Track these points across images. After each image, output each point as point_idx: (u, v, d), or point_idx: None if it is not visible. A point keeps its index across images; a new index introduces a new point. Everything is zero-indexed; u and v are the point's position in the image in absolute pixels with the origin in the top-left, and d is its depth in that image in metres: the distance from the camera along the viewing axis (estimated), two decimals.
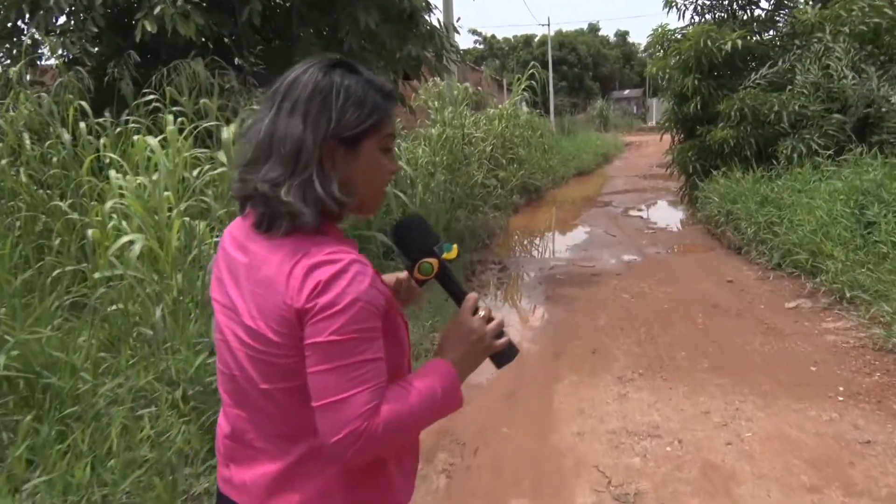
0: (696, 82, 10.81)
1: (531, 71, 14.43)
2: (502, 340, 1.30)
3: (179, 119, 4.96)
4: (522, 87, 14.52)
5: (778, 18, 11.32)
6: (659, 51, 12.31)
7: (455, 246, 1.36)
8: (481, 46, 59.84)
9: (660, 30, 12.10)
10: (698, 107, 10.89)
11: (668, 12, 11.87)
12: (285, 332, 1.13)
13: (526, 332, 5.66)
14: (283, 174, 1.16)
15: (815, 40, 9.71)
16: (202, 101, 5.56)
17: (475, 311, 1.29)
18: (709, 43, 10.52)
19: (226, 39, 7.36)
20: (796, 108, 9.11)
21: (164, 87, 5.72)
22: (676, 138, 12.51)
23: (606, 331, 5.55)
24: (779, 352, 4.84)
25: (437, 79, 13.78)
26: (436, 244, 1.33)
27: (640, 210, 12.54)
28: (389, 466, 1.26)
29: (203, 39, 6.86)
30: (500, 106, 14.25)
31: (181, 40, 6.57)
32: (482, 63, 46.39)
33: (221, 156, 4.84)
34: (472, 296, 1.31)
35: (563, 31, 54.77)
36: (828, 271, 5.97)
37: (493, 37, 58.27)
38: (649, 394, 4.21)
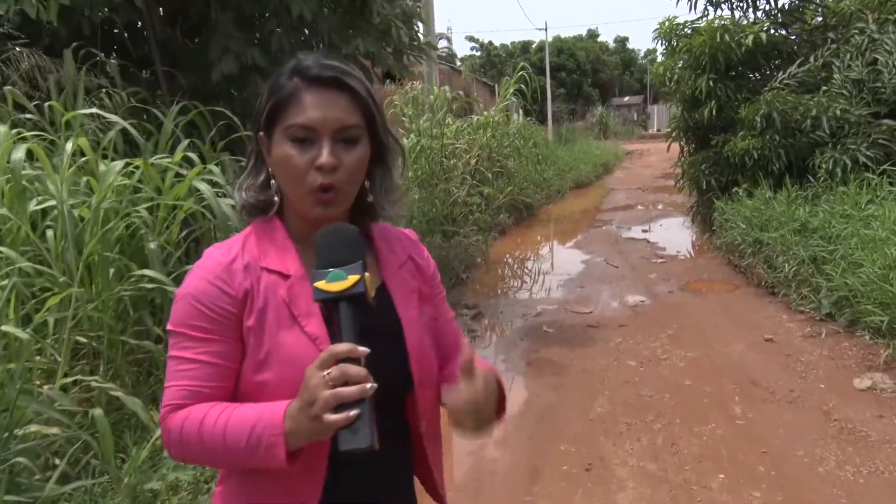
0: (710, 84, 9.18)
1: (520, 73, 12.83)
2: (336, 417, 0.95)
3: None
4: (511, 91, 12.94)
5: (806, 9, 9.67)
6: (665, 48, 10.67)
7: (353, 277, 1.01)
8: (478, 53, 58.66)
9: (667, 23, 10.45)
10: (713, 112, 9.27)
11: (676, 3, 10.21)
12: None
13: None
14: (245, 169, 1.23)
15: (856, 31, 8.08)
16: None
17: (326, 366, 0.97)
18: (726, 37, 8.90)
19: (117, 30, 5.76)
20: (837, 112, 7.47)
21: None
22: (686, 148, 10.88)
23: (607, 427, 3.91)
24: (870, 478, 3.20)
25: (416, 82, 12.26)
26: (346, 264, 1.02)
27: (645, 231, 10.89)
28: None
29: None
30: (485, 113, 12.61)
31: (65, 30, 5.10)
32: (480, 71, 45.07)
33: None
34: (335, 348, 0.98)
35: (562, 36, 53.42)
36: None
37: (491, 43, 57.17)
38: None
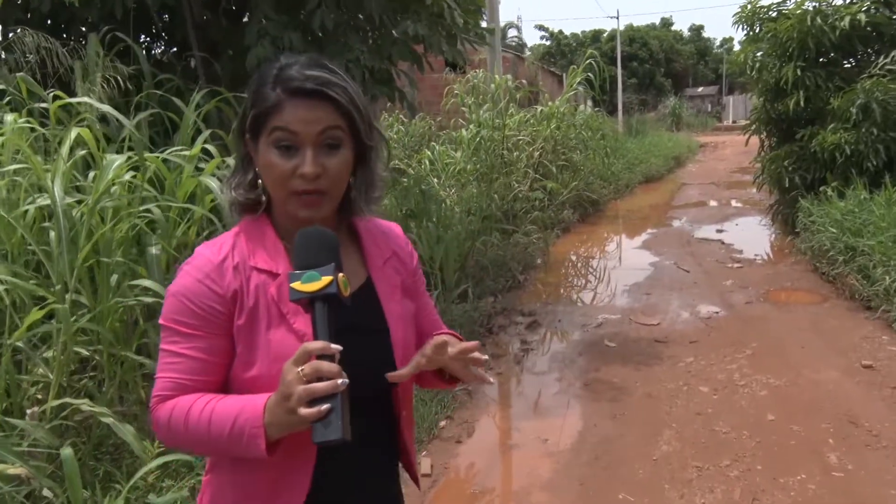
0: (797, 72, 8.34)
1: (587, 62, 12.12)
2: (309, 411, 0.99)
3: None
4: (578, 80, 12.24)
5: None
6: (746, 33, 9.80)
7: (326, 278, 1.05)
8: (548, 43, 57.64)
9: (749, 7, 9.58)
10: (799, 103, 8.43)
11: None
12: None
13: (540, 463, 3.50)
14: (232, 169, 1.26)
15: None
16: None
17: (301, 360, 1.02)
18: (818, 20, 8.05)
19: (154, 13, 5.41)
20: None
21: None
22: (767, 142, 10.01)
23: (673, 471, 3.33)
24: None
25: (479, 70, 11.72)
26: (320, 266, 1.06)
27: (719, 231, 10.08)
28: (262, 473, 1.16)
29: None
30: (550, 103, 11.96)
31: (95, 14, 4.83)
32: (549, 61, 44.09)
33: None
34: (308, 345, 1.03)
35: (634, 25, 51.82)
36: None
37: (561, 32, 56.06)
38: None
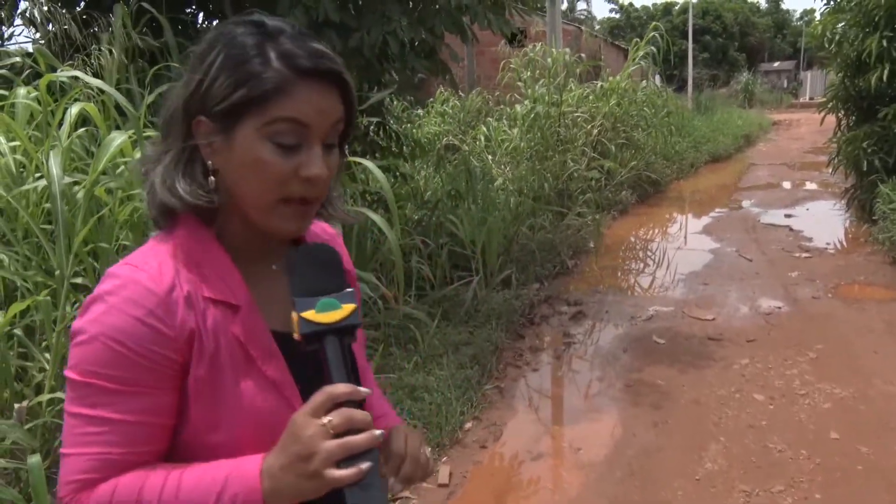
0: (882, 43, 7.65)
1: (652, 34, 11.49)
2: (345, 473, 0.78)
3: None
4: (641, 53, 11.63)
5: None
6: (827, 3, 9.07)
7: (348, 307, 0.87)
8: (618, 16, 56.16)
9: None
10: (883, 79, 7.74)
11: None
12: None
13: (570, 476, 3.19)
14: (153, 154, 0.94)
15: None
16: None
17: (322, 411, 0.80)
18: None
19: None
20: None
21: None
22: (844, 121, 9.28)
23: (717, 494, 2.97)
24: None
25: (538, 44, 11.25)
26: (330, 293, 0.88)
27: (788, 216, 9.45)
28: None
29: None
30: (610, 78, 11.42)
31: None
32: (618, 35, 42.82)
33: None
34: (333, 389, 0.81)
35: None
36: None
37: (631, 5, 54.59)
38: None
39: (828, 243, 7.73)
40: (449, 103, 13.29)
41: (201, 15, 5.51)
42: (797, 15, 59.67)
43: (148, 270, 0.87)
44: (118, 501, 0.83)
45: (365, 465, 0.80)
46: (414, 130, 9.08)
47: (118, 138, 2.96)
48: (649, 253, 7.91)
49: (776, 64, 55.10)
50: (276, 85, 0.85)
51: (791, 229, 8.54)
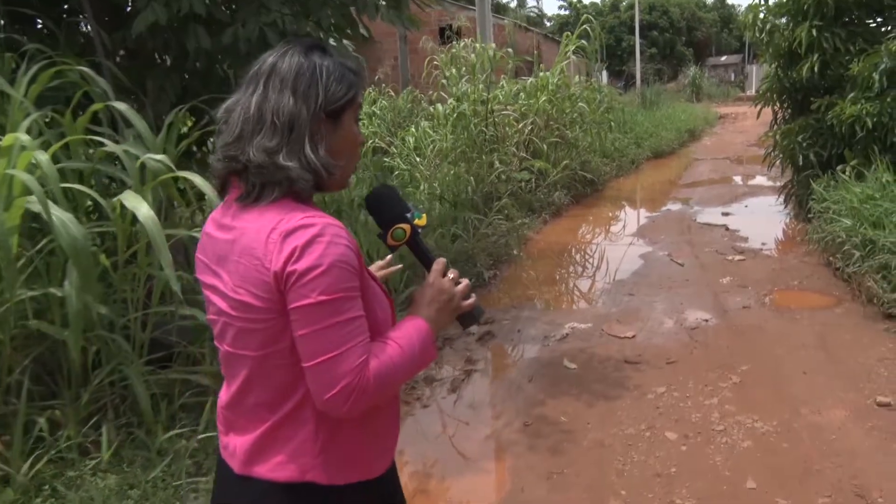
0: (813, 33, 7.27)
1: (583, 27, 11.03)
2: (470, 301, 1.37)
3: None
4: (572, 48, 11.16)
5: None
6: None
7: (425, 214, 1.39)
8: (567, 13, 56.08)
9: None
10: (814, 69, 7.37)
11: None
12: (266, 297, 1.17)
13: None
14: (280, 143, 1.21)
15: None
16: None
17: (445, 273, 1.36)
18: None
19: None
20: None
21: None
22: (780, 114, 8.93)
23: None
24: None
25: (469, 40, 10.69)
26: (407, 212, 1.36)
27: (725, 214, 9.06)
28: (364, 424, 1.29)
29: None
30: (541, 74, 10.93)
31: None
32: (569, 31, 42.56)
33: None
34: (441, 260, 1.37)
35: None
36: None
37: (580, 1, 54.41)
38: None
39: (763, 243, 7.32)
40: (378, 104, 12.69)
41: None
42: (743, 8, 60.37)
43: (327, 217, 1.20)
44: (380, 369, 1.18)
45: (474, 296, 1.38)
46: None
47: None
48: (576, 259, 7.42)
49: (723, 58, 55.56)
50: (359, 85, 1.30)
51: (727, 229, 8.13)
